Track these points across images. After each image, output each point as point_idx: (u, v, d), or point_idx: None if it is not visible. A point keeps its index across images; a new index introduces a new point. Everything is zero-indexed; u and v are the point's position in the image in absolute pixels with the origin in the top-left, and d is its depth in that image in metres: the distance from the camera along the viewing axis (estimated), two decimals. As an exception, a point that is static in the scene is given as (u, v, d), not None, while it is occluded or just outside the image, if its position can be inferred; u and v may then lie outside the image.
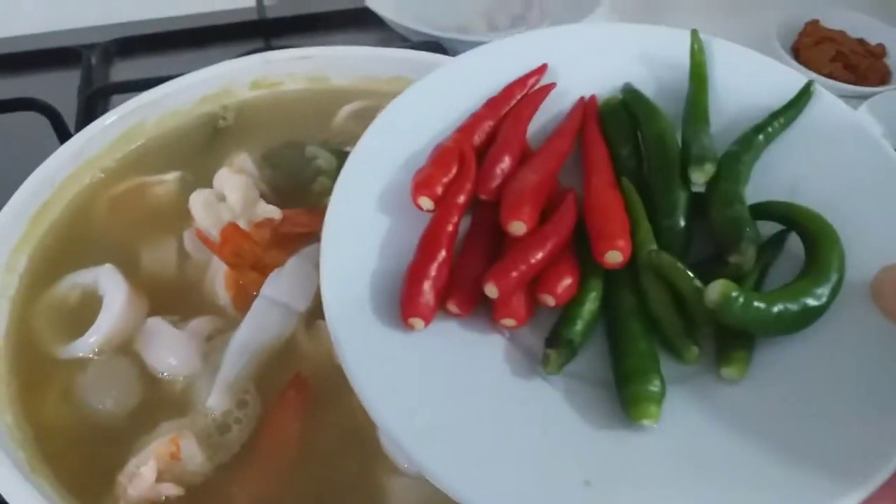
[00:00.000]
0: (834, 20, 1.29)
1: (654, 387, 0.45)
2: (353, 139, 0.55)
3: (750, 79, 0.59)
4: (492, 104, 0.58)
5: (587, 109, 0.59)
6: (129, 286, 0.65)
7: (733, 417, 0.45)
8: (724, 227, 0.49)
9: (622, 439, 0.44)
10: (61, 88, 1.11)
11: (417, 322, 0.47)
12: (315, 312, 0.65)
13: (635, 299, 0.49)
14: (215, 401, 0.59)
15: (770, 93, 0.57)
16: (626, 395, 0.45)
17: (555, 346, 0.47)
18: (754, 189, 0.53)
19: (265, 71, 0.84)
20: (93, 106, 1.08)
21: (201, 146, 0.80)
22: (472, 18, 1.25)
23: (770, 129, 0.55)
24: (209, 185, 0.73)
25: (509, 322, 0.48)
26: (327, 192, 0.55)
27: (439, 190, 0.52)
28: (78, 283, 0.67)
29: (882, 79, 1.19)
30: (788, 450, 0.42)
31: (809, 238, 0.49)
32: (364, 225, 0.51)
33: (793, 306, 0.45)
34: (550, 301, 0.48)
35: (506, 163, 0.53)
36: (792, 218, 0.51)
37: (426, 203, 0.52)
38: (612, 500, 0.42)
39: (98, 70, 1.17)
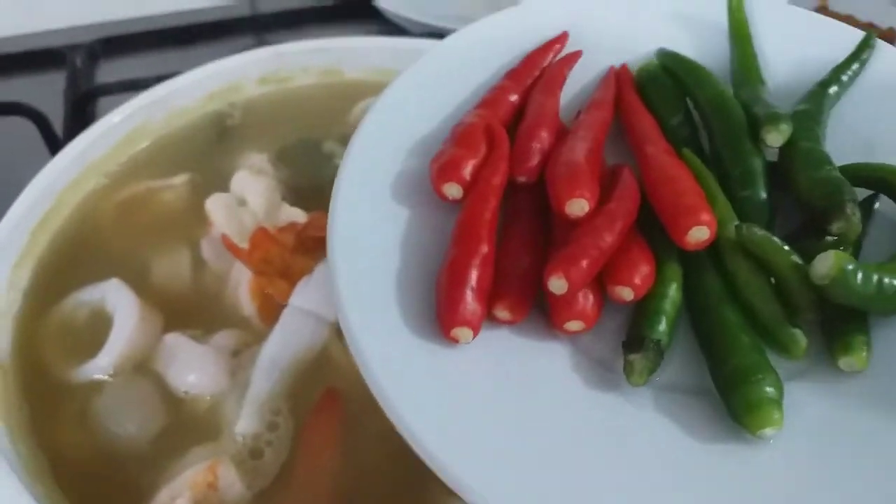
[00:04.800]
0: (842, 4, 1.27)
1: (771, 386, 0.35)
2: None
3: (796, 35, 0.51)
4: (513, 76, 0.48)
5: (621, 78, 0.50)
6: (139, 301, 0.58)
7: (863, 411, 0.36)
8: (818, 191, 0.40)
9: (740, 456, 0.35)
10: (46, 91, 1.03)
11: (464, 333, 0.37)
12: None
13: (723, 286, 0.39)
14: (245, 425, 0.52)
15: (821, 49, 0.50)
16: (737, 402, 0.35)
17: (638, 350, 0.37)
18: (831, 150, 0.45)
19: (276, 65, 0.78)
20: (80, 109, 1.01)
21: (210, 146, 0.73)
22: (474, 6, 1.22)
23: (837, 85, 0.48)
24: (220, 187, 0.67)
25: (576, 325, 0.38)
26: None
27: (468, 174, 0.42)
28: (85, 300, 0.60)
29: None
30: None
31: None
32: (376, 223, 0.41)
33: None
34: (628, 294, 0.38)
35: (543, 138, 0.43)
36: (883, 179, 0.43)
37: (453, 190, 0.41)
38: None
39: (83, 71, 1.09)
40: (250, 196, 0.63)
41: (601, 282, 0.39)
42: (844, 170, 0.43)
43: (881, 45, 0.50)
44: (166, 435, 0.55)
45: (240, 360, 0.57)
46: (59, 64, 1.11)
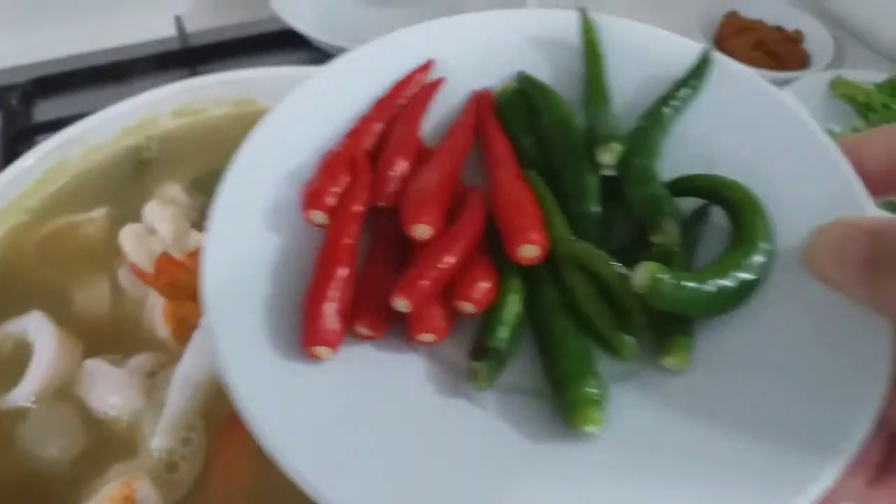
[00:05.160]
0: (751, 9, 1.26)
1: (592, 388, 0.39)
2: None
3: (647, 53, 0.53)
4: (380, 105, 0.51)
5: (482, 102, 0.53)
6: (58, 331, 0.61)
7: (686, 408, 0.39)
8: (642, 206, 0.44)
9: (570, 451, 0.38)
10: None
11: (323, 351, 0.40)
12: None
13: (560, 296, 0.43)
14: (160, 441, 0.56)
15: (670, 65, 0.52)
16: (563, 402, 0.39)
17: (481, 358, 0.40)
18: (671, 166, 0.48)
19: (188, 98, 0.80)
20: (15, 148, 1.04)
21: (127, 180, 0.76)
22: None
23: (676, 101, 0.50)
24: (137, 217, 0.70)
25: (427, 337, 0.41)
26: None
27: (331, 201, 0.45)
28: (8, 332, 0.63)
29: (801, 63, 1.19)
30: (751, 433, 0.37)
31: (733, 209, 0.45)
32: (251, 248, 0.44)
33: (726, 281, 0.40)
34: (469, 308, 0.41)
35: (401, 164, 0.46)
36: (711, 189, 0.46)
37: (318, 217, 0.44)
38: None
39: (20, 111, 1.13)
40: (159, 224, 0.66)
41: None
42: (677, 182, 0.47)
43: (721, 59, 0.52)
44: (88, 455, 0.58)
45: (156, 380, 0.61)
46: (-6, 105, 1.12)
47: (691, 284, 0.40)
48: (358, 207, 0.45)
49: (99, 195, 0.74)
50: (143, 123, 0.80)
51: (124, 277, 0.66)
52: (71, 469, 0.57)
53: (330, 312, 0.41)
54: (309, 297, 0.41)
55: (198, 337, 0.61)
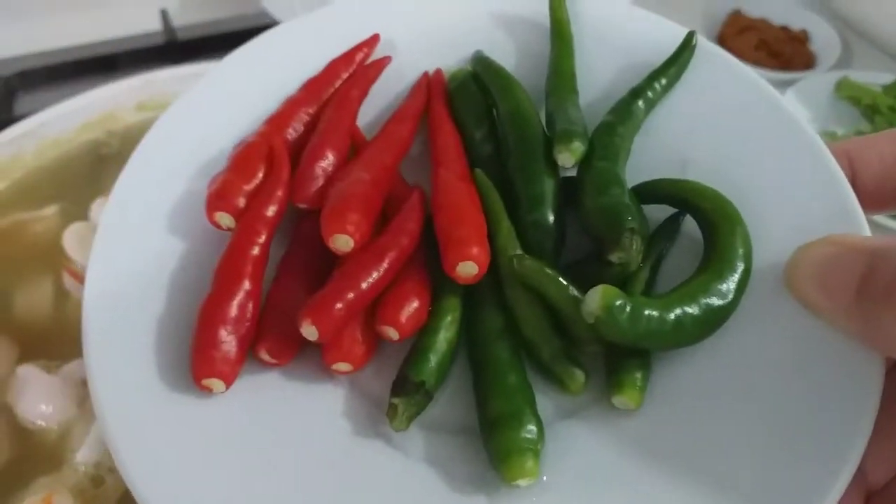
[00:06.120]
0: (756, 8, 1.20)
1: (528, 433, 0.32)
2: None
3: (625, 37, 0.46)
4: (310, 87, 0.44)
5: (433, 86, 0.46)
6: None
7: (638, 451, 0.33)
8: (601, 217, 0.37)
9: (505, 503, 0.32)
10: None
11: (215, 383, 0.33)
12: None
13: (501, 319, 0.36)
14: (87, 453, 0.53)
15: (651, 51, 0.45)
16: (493, 449, 0.33)
17: (402, 393, 0.34)
18: (639, 167, 0.41)
19: (151, 92, 0.76)
20: None
21: (84, 177, 0.72)
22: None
23: (650, 93, 0.43)
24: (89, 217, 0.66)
25: (343, 367, 0.35)
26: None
27: (241, 201, 0.37)
28: None
29: (807, 64, 1.13)
30: (714, 485, 0.32)
31: (707, 221, 0.38)
32: (144, 256, 0.37)
33: (693, 309, 0.34)
34: (393, 334, 0.35)
35: (329, 159, 0.39)
36: (684, 198, 0.39)
37: (225, 220, 0.37)
38: None
39: (2, 104, 1.12)
40: (105, 224, 0.63)
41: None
42: (646, 187, 0.40)
43: (705, 45, 0.45)
44: (12, 466, 0.54)
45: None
46: (-24, 98, 1.09)
47: (652, 314, 0.33)
48: (271, 210, 0.38)
49: (52, 192, 0.69)
50: (105, 118, 0.75)
51: (69, 280, 0.63)
52: None
53: (226, 337, 0.34)
54: (202, 319, 0.34)
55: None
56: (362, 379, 0.37)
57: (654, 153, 0.43)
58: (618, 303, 0.33)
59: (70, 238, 0.62)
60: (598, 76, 0.46)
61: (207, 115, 0.42)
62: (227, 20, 1.23)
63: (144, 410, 0.33)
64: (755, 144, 0.41)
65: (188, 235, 0.38)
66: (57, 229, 0.67)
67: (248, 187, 0.38)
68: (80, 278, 0.60)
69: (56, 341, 0.61)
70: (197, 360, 0.33)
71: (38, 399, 0.56)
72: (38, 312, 0.62)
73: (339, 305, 0.34)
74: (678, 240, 0.41)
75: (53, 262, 0.65)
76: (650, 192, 0.40)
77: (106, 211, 0.38)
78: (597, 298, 0.32)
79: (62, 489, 0.51)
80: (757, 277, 0.36)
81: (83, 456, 0.53)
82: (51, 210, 0.68)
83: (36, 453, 0.55)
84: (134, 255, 0.37)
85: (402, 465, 0.34)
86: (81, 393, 0.57)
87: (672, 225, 0.41)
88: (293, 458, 0.33)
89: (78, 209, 0.68)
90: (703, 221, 0.39)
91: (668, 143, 0.43)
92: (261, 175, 0.39)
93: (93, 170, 0.73)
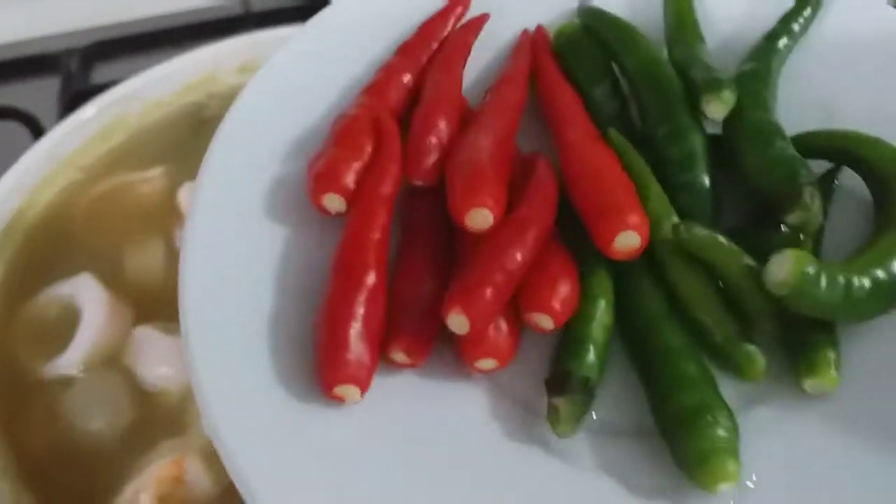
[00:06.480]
0: None
1: (724, 430, 0.28)
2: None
3: None
4: (406, 51, 0.40)
5: (537, 44, 0.42)
6: (108, 296, 0.58)
7: (840, 439, 0.29)
8: (769, 173, 0.33)
9: None
10: (41, 96, 1.06)
11: (349, 391, 0.29)
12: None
13: (662, 299, 0.32)
14: None
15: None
16: (684, 452, 0.28)
17: (563, 392, 0.29)
18: (780, 119, 0.37)
19: (253, 53, 0.74)
20: (73, 110, 1.03)
21: (187, 138, 0.72)
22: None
23: (787, 38, 0.40)
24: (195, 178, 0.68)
25: (488, 364, 0.30)
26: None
27: (350, 181, 0.33)
28: (56, 295, 0.59)
29: None
30: None
31: (875, 175, 0.34)
32: (241, 248, 0.33)
33: (884, 275, 0.30)
34: (547, 322, 0.30)
35: (441, 130, 0.35)
36: (845, 149, 0.36)
37: (335, 203, 0.33)
38: None
39: (79, 76, 1.11)
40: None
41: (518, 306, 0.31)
42: (798, 140, 0.36)
43: None
44: (135, 429, 0.54)
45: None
46: (53, 69, 1.11)
47: (849, 280, 0.29)
48: (388, 188, 0.34)
49: (156, 154, 0.69)
50: (206, 79, 0.75)
51: (181, 240, 0.62)
52: (117, 444, 0.53)
53: (356, 337, 0.29)
54: (325, 319, 0.30)
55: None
56: (504, 378, 0.32)
57: (795, 101, 0.39)
58: (811, 269, 0.29)
59: (186, 197, 0.61)
60: (718, 24, 0.42)
61: (294, 86, 0.38)
62: (304, -7, 1.21)
63: (261, 424, 0.29)
64: None
65: (286, 224, 0.34)
66: (163, 190, 0.67)
67: (357, 165, 0.34)
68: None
69: (170, 301, 0.59)
70: (326, 366, 0.29)
71: (158, 361, 0.56)
72: (150, 273, 0.62)
73: (489, 290, 0.29)
74: (837, 198, 0.36)
75: (163, 222, 0.64)
76: (804, 145, 0.36)
77: (194, 200, 0.34)
78: (787, 265, 0.28)
79: (191, 452, 0.50)
80: None
81: (208, 423, 0.51)
82: (156, 171, 0.67)
83: (158, 416, 0.55)
84: (228, 248, 0.33)
85: (573, 476, 0.29)
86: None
87: (828, 183, 0.36)
88: (444, 468, 0.29)
89: (182, 171, 0.67)
90: (871, 175, 0.35)
91: (809, 91, 0.40)
92: (369, 150, 0.35)
93: (194, 132, 0.72)
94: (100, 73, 1.14)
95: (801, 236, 0.33)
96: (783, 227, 0.33)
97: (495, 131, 0.35)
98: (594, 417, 0.31)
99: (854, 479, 0.28)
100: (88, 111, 0.68)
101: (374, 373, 0.30)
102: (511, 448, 0.30)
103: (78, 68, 1.12)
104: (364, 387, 0.29)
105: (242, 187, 0.35)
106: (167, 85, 0.74)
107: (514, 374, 0.32)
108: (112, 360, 0.56)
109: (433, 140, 0.35)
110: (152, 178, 0.67)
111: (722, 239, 0.31)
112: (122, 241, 0.63)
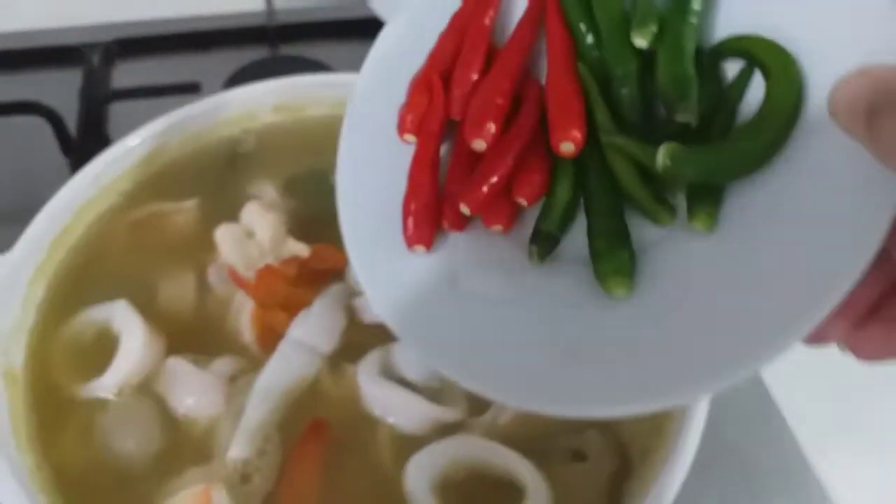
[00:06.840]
0: None
1: (623, 260, 0.46)
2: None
3: None
4: (454, 20, 0.56)
5: None
6: (145, 325, 0.60)
7: (711, 264, 0.44)
8: (669, 86, 0.46)
9: (608, 309, 0.46)
10: (62, 89, 1.07)
11: (419, 248, 0.51)
12: (340, 354, 0.61)
13: (606, 179, 0.48)
14: (237, 451, 0.55)
15: None
16: (598, 272, 0.47)
17: (535, 241, 0.49)
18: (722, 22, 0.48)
19: (291, 95, 0.79)
20: (95, 111, 1.05)
21: (220, 171, 0.75)
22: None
23: None
24: (228, 212, 0.68)
25: (497, 228, 0.50)
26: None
27: (416, 123, 0.53)
28: (92, 318, 0.63)
29: None
30: (756, 282, 0.42)
31: (765, 68, 0.45)
32: (371, 162, 0.55)
33: (747, 145, 0.44)
34: (523, 202, 0.49)
35: (470, 77, 0.53)
36: (746, 52, 0.47)
37: (410, 138, 0.53)
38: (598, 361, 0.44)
39: (100, 72, 1.12)
40: (258, 229, 0.65)
41: None
42: (720, 46, 0.48)
43: None
44: (164, 454, 0.57)
45: (236, 385, 0.60)
46: (76, 62, 1.13)
47: (706, 155, 0.44)
48: (436, 125, 0.53)
49: (191, 185, 0.73)
50: (244, 115, 0.79)
51: (214, 275, 0.66)
52: (147, 466, 0.57)
53: (418, 216, 0.51)
54: (404, 206, 0.52)
55: (283, 347, 0.61)
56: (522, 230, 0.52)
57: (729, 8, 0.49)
58: (679, 153, 0.43)
59: (224, 239, 0.65)
60: None
61: (400, 57, 0.56)
62: (328, 8, 1.25)
63: (380, 267, 0.51)
64: None
65: (400, 149, 0.54)
66: (197, 223, 0.70)
67: (420, 112, 0.54)
68: (237, 278, 0.63)
69: (201, 334, 0.64)
70: (407, 233, 0.51)
71: (188, 392, 0.59)
72: (181, 304, 0.65)
73: (483, 188, 0.49)
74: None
75: (195, 255, 0.67)
76: (721, 50, 0.48)
77: (345, 129, 0.55)
78: (661, 154, 0.43)
79: (218, 483, 0.54)
80: (813, 116, 0.43)
81: (234, 453, 0.56)
82: (190, 203, 0.71)
83: (185, 443, 0.58)
84: (365, 162, 0.55)
85: (539, 282, 0.50)
86: (229, 389, 0.60)
87: (745, 76, 0.47)
88: (477, 281, 0.51)
89: (215, 205, 0.71)
90: (763, 69, 0.46)
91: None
92: (425, 102, 0.54)
93: (229, 165, 0.76)
94: (120, 71, 1.16)
95: (692, 126, 0.45)
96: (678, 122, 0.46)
97: (503, 72, 0.52)
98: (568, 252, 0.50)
99: (704, 291, 0.44)
100: (134, 140, 0.71)
101: (432, 237, 0.51)
102: (515, 271, 0.51)
103: (100, 63, 1.14)
104: (427, 245, 0.51)
105: (379, 114, 0.55)
106: (208, 118, 0.77)
107: (519, 243, 0.51)
108: (145, 387, 0.60)
109: (461, 90, 0.53)
110: (185, 210, 0.70)
111: (632, 141, 0.47)
112: (155, 269, 0.66)
